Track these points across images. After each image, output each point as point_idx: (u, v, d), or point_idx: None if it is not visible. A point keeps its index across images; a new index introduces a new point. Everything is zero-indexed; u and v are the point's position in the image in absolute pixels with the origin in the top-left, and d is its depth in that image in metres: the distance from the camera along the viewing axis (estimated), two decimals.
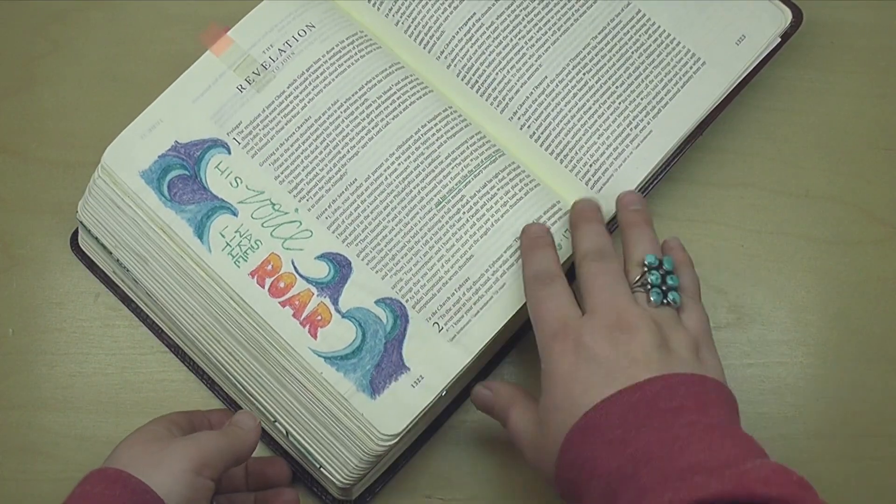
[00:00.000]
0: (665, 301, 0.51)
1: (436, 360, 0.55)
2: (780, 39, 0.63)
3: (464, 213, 0.58)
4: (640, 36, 0.62)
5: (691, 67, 0.61)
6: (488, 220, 0.58)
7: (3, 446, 0.60)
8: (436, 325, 0.56)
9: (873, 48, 0.67)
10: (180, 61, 0.60)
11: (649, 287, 0.51)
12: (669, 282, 0.52)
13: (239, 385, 0.58)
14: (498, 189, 0.58)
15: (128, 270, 0.59)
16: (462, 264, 0.57)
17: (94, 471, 0.50)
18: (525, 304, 0.55)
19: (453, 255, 0.57)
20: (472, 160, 0.59)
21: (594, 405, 0.47)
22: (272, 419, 0.57)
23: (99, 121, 0.65)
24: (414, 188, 0.58)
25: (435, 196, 0.58)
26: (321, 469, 0.56)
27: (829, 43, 0.67)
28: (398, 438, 0.54)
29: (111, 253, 0.59)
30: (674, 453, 0.45)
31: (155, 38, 0.68)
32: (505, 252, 0.57)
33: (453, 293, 0.57)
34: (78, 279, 0.63)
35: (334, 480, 0.56)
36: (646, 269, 0.52)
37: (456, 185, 0.58)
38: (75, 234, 0.63)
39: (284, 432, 0.57)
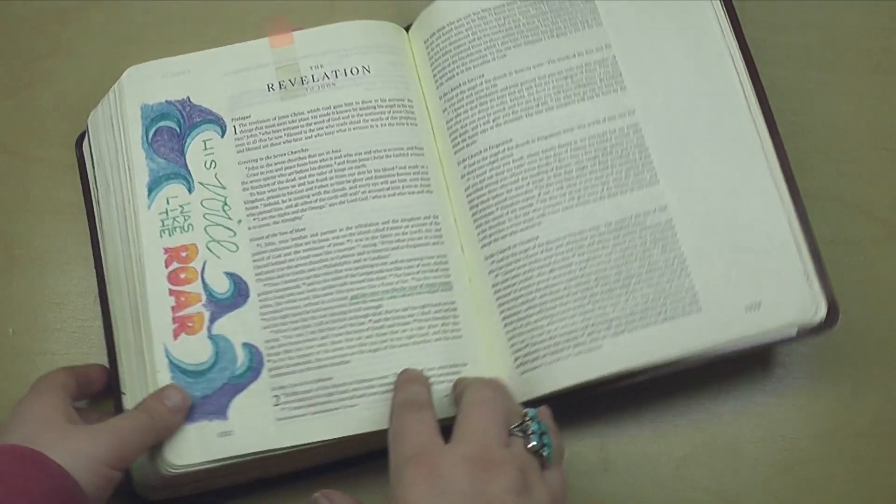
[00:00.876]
0: (539, 452, 0.48)
1: (253, 427, 0.54)
2: (795, 333, 0.55)
3: (370, 320, 0.56)
4: (654, 247, 0.56)
5: (685, 307, 0.55)
6: (386, 341, 0.56)
7: None
8: (276, 397, 0.55)
9: (873, 48, 0.67)
10: None
11: (530, 432, 0.49)
12: (546, 440, 0.49)
13: (115, 344, 0.58)
14: (415, 320, 0.56)
15: (97, 190, 0.60)
16: (335, 363, 0.55)
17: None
18: (363, 434, 0.54)
19: (333, 350, 0.56)
20: (413, 280, 0.57)
21: None
22: (122, 392, 0.57)
23: None
24: (344, 269, 0.57)
25: (356, 289, 0.56)
26: None
27: (829, 43, 0.67)
28: (182, 471, 0.53)
29: (94, 169, 0.61)
30: None
31: (155, 38, 0.68)
32: (377, 379, 0.55)
33: (309, 382, 0.55)
34: (78, 279, 0.63)
35: (132, 475, 0.56)
36: (528, 418, 0.49)
37: (381, 292, 0.56)
38: (83, 135, 0.63)
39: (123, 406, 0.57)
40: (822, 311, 0.55)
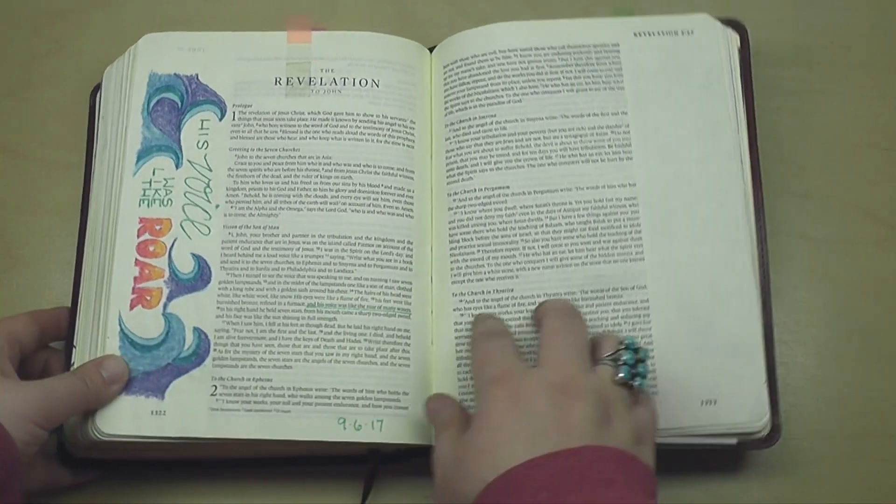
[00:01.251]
0: (630, 382, 0.49)
1: (186, 412, 0.55)
2: (735, 442, 0.54)
3: (321, 331, 0.56)
4: (624, 323, 0.56)
5: None
6: (332, 354, 0.56)
7: None
8: (214, 387, 0.55)
9: (873, 48, 0.67)
10: None
11: (620, 363, 0.50)
12: (640, 368, 0.50)
13: (79, 298, 0.58)
14: (366, 340, 0.56)
15: (96, 144, 0.61)
16: (277, 366, 0.55)
17: None
18: (289, 439, 0.54)
19: (278, 353, 0.56)
20: (373, 299, 0.57)
21: (521, 463, 0.45)
22: (73, 345, 0.58)
23: None
24: (307, 276, 0.57)
25: (314, 297, 0.56)
26: None
27: (829, 43, 0.67)
28: (109, 439, 0.54)
29: (99, 122, 0.62)
30: None
31: None
32: (316, 390, 0.55)
33: (248, 379, 0.55)
34: None
35: (64, 429, 0.56)
36: (623, 346, 0.50)
37: (338, 305, 0.56)
38: (98, 86, 0.64)
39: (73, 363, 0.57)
40: (767, 423, 0.54)
